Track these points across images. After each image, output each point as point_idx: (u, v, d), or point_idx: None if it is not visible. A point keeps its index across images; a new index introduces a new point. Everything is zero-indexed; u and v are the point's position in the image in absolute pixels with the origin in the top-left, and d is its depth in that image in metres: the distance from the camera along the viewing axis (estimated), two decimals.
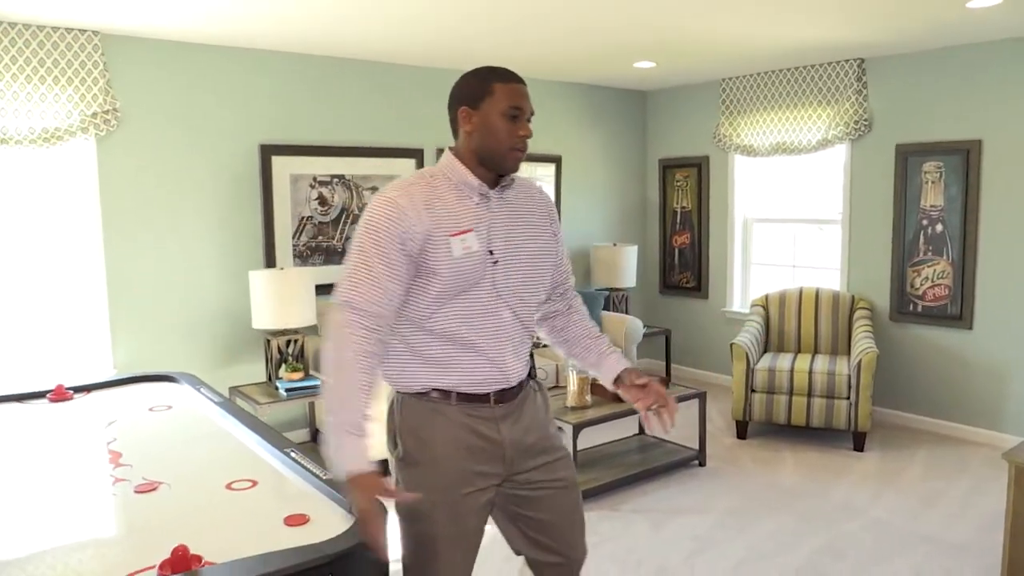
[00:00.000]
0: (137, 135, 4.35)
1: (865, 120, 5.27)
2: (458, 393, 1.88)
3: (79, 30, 4.05)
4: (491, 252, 1.86)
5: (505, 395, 1.92)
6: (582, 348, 2.15)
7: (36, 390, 2.90)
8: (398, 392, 1.93)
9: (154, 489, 1.97)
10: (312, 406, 4.88)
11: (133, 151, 4.35)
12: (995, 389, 4.85)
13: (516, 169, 1.90)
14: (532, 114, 1.90)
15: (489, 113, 1.85)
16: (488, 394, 1.90)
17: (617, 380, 2.10)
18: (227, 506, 1.91)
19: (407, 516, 1.88)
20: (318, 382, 4.41)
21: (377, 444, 1.83)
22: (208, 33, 4.28)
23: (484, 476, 1.90)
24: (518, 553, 2.07)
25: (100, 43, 4.12)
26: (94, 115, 4.13)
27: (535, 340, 2.12)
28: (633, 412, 4.19)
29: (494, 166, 1.88)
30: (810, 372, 4.79)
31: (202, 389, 2.90)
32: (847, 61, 5.29)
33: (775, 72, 5.73)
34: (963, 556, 3.40)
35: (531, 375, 2.04)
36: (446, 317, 1.84)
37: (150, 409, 2.74)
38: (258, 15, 3.91)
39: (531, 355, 2.04)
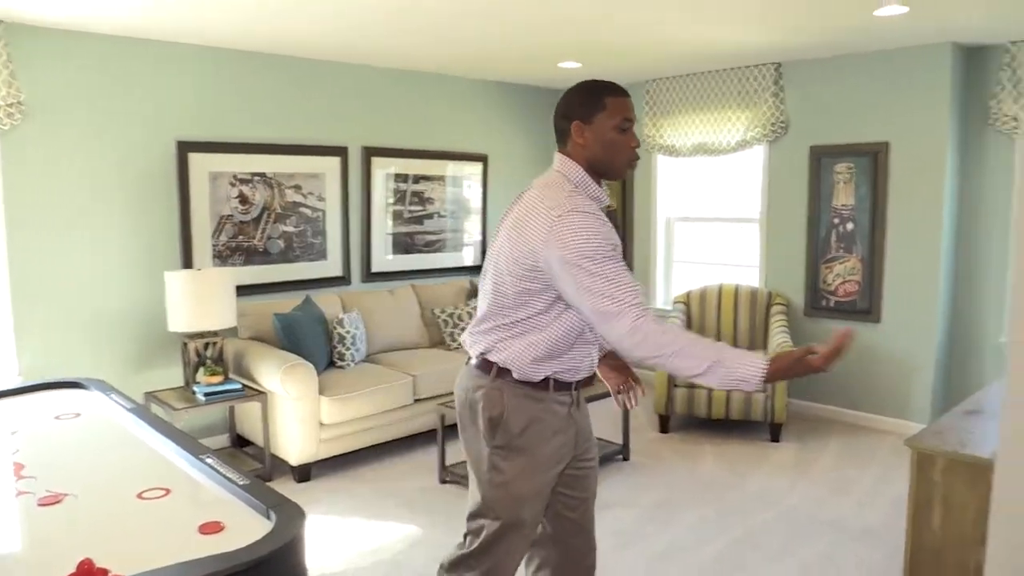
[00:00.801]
0: (44, 130, 4.17)
1: (781, 122, 5.44)
2: (555, 381, 2.07)
3: None
4: None
5: (580, 382, 2.14)
6: None
7: None
8: (500, 381, 2.06)
9: (59, 501, 1.90)
10: (232, 411, 4.77)
11: (40, 146, 4.16)
12: (902, 380, 5.08)
13: (625, 177, 2.12)
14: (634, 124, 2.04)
15: (603, 127, 2.00)
16: (571, 382, 2.11)
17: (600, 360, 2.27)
18: (138, 516, 1.84)
19: (502, 500, 2.07)
20: (238, 386, 4.31)
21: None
22: (122, 25, 4.13)
23: (567, 457, 2.14)
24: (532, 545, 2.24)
25: (3, 32, 3.93)
26: None
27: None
28: None
29: (608, 176, 2.06)
30: None
31: (113, 395, 2.79)
32: (765, 65, 5.45)
33: (697, 74, 5.86)
34: (871, 540, 3.55)
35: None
36: (584, 327, 2.04)
37: (56, 417, 2.63)
38: (176, 8, 3.79)
39: None
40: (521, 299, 2.05)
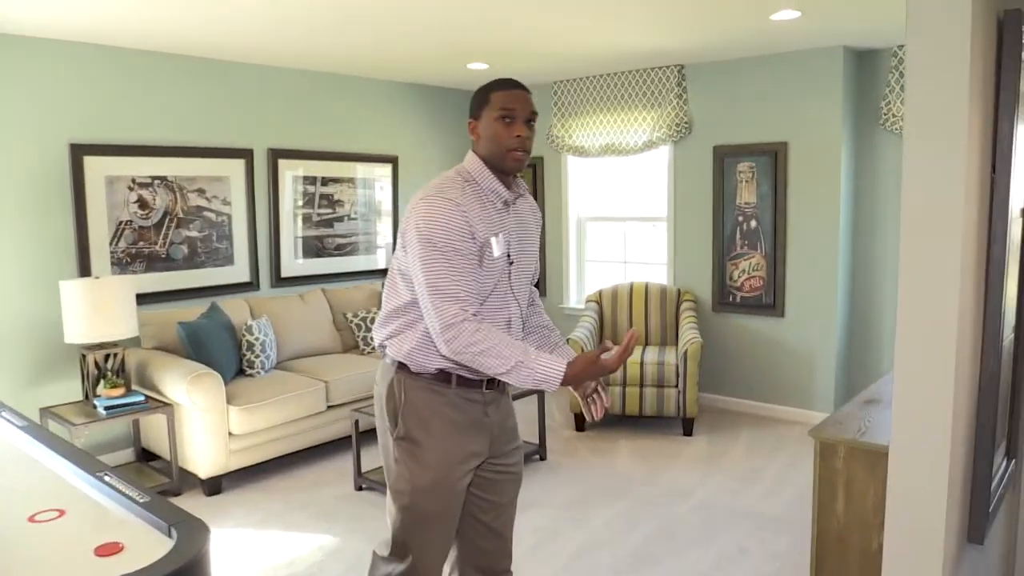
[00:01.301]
0: None
1: (686, 123, 5.58)
2: (458, 376, 2.07)
3: None
4: (508, 255, 2.09)
5: (493, 382, 2.13)
6: (539, 336, 2.33)
7: None
8: (400, 374, 2.09)
9: None
10: (136, 424, 4.58)
11: None
12: (805, 371, 5.28)
13: (519, 169, 2.08)
14: (534, 116, 2.06)
15: (488, 120, 2.04)
16: (482, 380, 2.10)
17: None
18: (29, 540, 1.74)
19: (404, 492, 2.08)
20: (141, 397, 4.14)
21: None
22: (9, 21, 3.90)
23: (475, 455, 2.11)
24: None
25: None
26: None
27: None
28: None
29: (501, 168, 2.06)
30: (642, 363, 5.01)
31: (4, 413, 2.64)
32: (669, 67, 5.58)
33: (604, 76, 5.95)
34: (780, 528, 3.68)
35: None
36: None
37: None
38: (68, 4, 3.61)
39: None
40: (403, 284, 2.09)
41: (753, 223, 5.38)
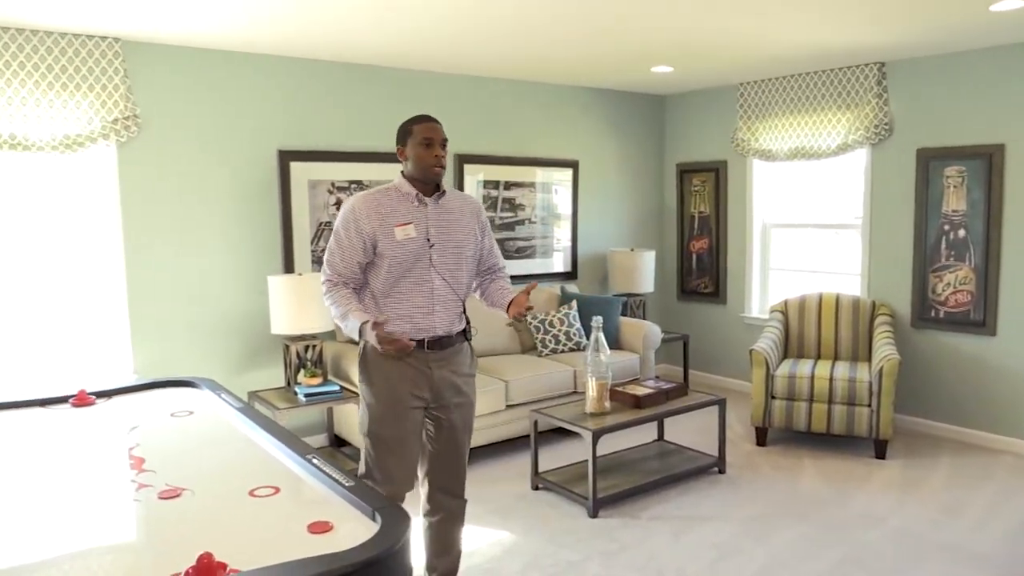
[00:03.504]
0: (156, 141, 4.38)
1: (886, 124, 5.22)
2: None
3: (100, 37, 4.08)
4: (428, 239, 2.72)
5: (436, 343, 2.75)
6: (494, 293, 2.97)
7: (59, 395, 2.91)
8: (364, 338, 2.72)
9: (177, 495, 1.97)
10: (331, 411, 4.89)
11: (152, 157, 4.38)
12: (1019, 396, 4.78)
13: (439, 178, 2.75)
14: (445, 141, 2.74)
15: (413, 146, 2.72)
16: (423, 340, 2.72)
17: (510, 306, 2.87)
18: (250, 513, 1.90)
19: (365, 422, 2.79)
20: (336, 387, 4.41)
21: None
22: (226, 39, 4.30)
23: (416, 398, 2.76)
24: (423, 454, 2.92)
25: (121, 50, 4.15)
26: (115, 121, 4.15)
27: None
28: (652, 419, 4.21)
29: (426, 179, 2.73)
30: (831, 379, 4.74)
31: (223, 395, 2.90)
32: (867, 65, 5.25)
33: (794, 76, 5.69)
34: (987, 566, 3.35)
35: (466, 335, 2.87)
36: (398, 285, 2.72)
37: (172, 414, 2.75)
38: (275, 22, 3.92)
39: (466, 319, 2.89)
40: None
41: (961, 232, 4.94)
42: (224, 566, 1.51)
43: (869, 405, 4.65)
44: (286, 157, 4.80)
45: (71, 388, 2.94)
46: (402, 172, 2.79)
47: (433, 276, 2.74)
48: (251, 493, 2.00)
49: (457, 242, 2.79)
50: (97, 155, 4.25)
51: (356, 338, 2.65)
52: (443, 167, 2.73)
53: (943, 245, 5.03)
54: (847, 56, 5.05)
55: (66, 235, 4.24)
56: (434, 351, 2.76)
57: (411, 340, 2.63)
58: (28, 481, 2.15)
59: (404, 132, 2.75)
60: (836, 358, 5.27)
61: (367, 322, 2.58)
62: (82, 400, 2.86)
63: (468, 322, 2.89)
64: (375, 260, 2.71)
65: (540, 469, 4.32)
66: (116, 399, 2.95)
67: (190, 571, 1.49)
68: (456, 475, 2.95)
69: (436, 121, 2.75)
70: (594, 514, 3.90)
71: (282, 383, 4.77)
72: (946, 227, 5.01)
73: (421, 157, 2.70)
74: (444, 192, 2.81)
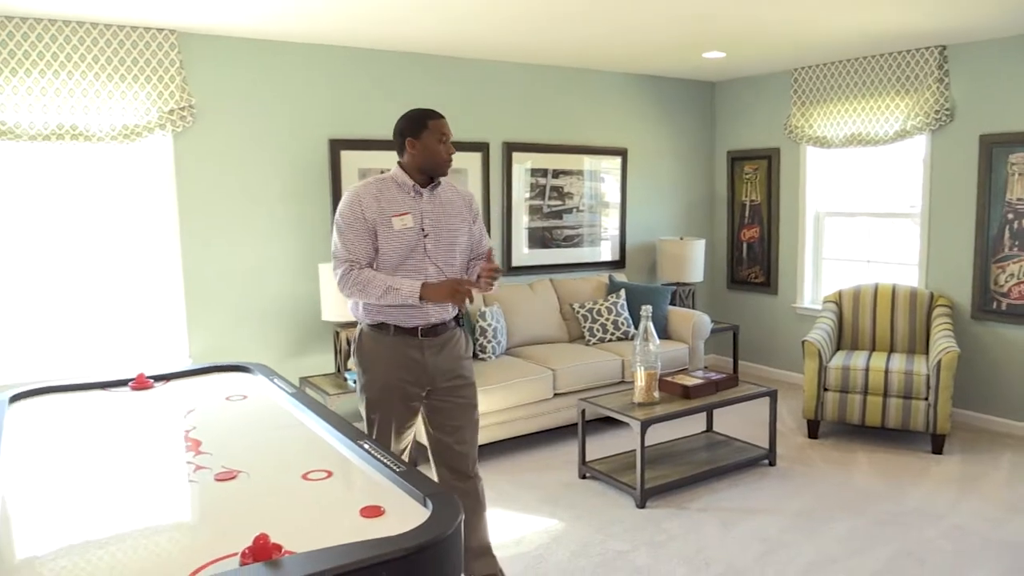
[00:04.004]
0: (211, 131, 4.46)
1: (947, 109, 5.06)
2: (395, 327, 2.83)
3: (157, 29, 4.16)
4: (423, 229, 2.82)
5: (429, 331, 2.85)
6: (473, 273, 3.04)
7: (119, 378, 2.99)
8: (361, 326, 2.92)
9: (233, 477, 2.01)
10: None
11: (207, 146, 4.45)
12: None
13: (447, 173, 2.88)
14: (450, 138, 2.87)
15: (428, 140, 2.80)
16: (416, 328, 2.83)
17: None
18: (304, 496, 1.93)
19: (363, 402, 2.92)
20: None
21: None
22: (277, 30, 4.35)
23: (409, 383, 2.86)
24: (427, 437, 3.05)
25: (176, 41, 4.23)
26: (171, 112, 4.24)
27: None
28: (701, 410, 4.17)
29: (434, 172, 2.85)
30: (886, 371, 4.63)
31: (275, 380, 2.94)
32: (927, 48, 5.09)
33: (850, 61, 5.55)
34: None
35: (458, 321, 2.96)
36: (394, 273, 2.78)
37: (227, 398, 2.80)
38: (325, 11, 3.95)
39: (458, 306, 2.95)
40: None
41: None
42: (279, 547, 1.53)
43: (926, 399, 4.53)
44: (336, 146, 4.84)
45: (130, 372, 3.02)
46: (399, 163, 2.87)
47: (427, 264, 2.82)
48: (304, 476, 2.02)
49: (451, 231, 2.89)
50: (154, 145, 4.34)
51: (413, 300, 2.71)
52: (451, 162, 2.88)
53: (1006, 235, 4.86)
54: (906, 40, 4.91)
55: (126, 224, 4.35)
56: (428, 338, 2.85)
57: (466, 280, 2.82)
58: (91, 460, 2.21)
59: (418, 125, 2.82)
60: (892, 350, 5.15)
61: (423, 283, 2.72)
62: (141, 384, 2.94)
63: (460, 308, 2.98)
64: (377, 249, 2.80)
65: (587, 458, 4.30)
66: (173, 383, 3.02)
67: (247, 551, 1.51)
68: (463, 456, 3.00)
69: (444, 117, 2.91)
70: (642, 504, 3.88)
71: (332, 369, 4.83)
72: (1010, 216, 4.84)
73: (436, 152, 2.80)
74: (439, 183, 2.91)
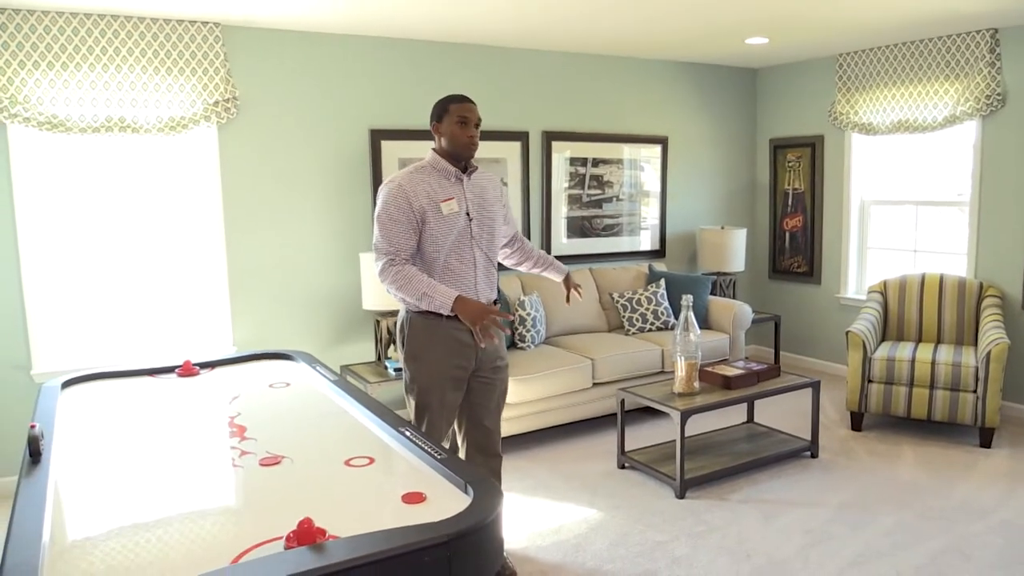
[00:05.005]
0: (254, 122, 4.51)
1: (998, 95, 4.92)
2: (446, 314, 2.77)
3: (202, 22, 4.22)
4: (468, 214, 2.89)
5: None
6: (538, 260, 3.32)
7: (166, 365, 3.06)
8: (408, 311, 2.90)
9: (277, 463, 2.05)
10: None
11: (251, 137, 4.52)
12: None
13: (472, 156, 2.88)
14: (479, 122, 2.88)
15: (448, 124, 2.84)
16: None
17: (565, 278, 3.33)
18: (347, 482, 1.96)
19: (413, 390, 2.92)
20: None
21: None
22: (319, 21, 4.39)
23: (461, 368, 2.91)
24: (459, 427, 3.10)
25: (221, 34, 4.29)
26: (216, 104, 4.30)
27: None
28: (742, 401, 4.13)
29: (459, 156, 2.87)
30: (933, 363, 4.54)
31: (317, 367, 2.99)
32: (978, 32, 4.95)
33: (897, 45, 5.42)
34: None
35: (496, 300, 3.03)
36: (445, 258, 2.84)
37: (270, 385, 2.85)
38: (366, 2, 3.97)
39: (497, 286, 3.05)
40: None
41: None
42: (323, 532, 1.56)
43: (974, 391, 4.43)
44: (377, 136, 4.87)
45: (177, 359, 3.09)
46: (434, 149, 2.91)
47: (475, 249, 2.90)
48: (347, 463, 2.05)
49: (490, 215, 2.97)
50: (199, 137, 4.41)
51: (445, 312, 2.72)
52: (476, 146, 2.88)
53: None
54: (956, 23, 4.78)
55: (172, 214, 4.43)
56: None
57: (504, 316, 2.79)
58: (139, 445, 2.27)
59: (441, 110, 2.87)
60: (939, 341, 5.04)
61: (458, 297, 2.72)
62: (187, 370, 3.00)
63: (499, 290, 3.06)
64: (424, 236, 2.80)
65: (627, 448, 4.29)
66: (218, 370, 3.08)
67: (291, 535, 1.54)
68: (492, 434, 3.10)
69: (472, 102, 2.88)
70: (681, 495, 3.86)
71: (373, 357, 4.88)
72: None
73: (456, 135, 2.83)
74: (475, 168, 2.97)
